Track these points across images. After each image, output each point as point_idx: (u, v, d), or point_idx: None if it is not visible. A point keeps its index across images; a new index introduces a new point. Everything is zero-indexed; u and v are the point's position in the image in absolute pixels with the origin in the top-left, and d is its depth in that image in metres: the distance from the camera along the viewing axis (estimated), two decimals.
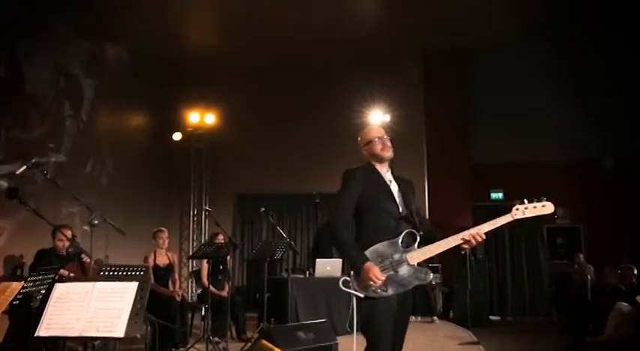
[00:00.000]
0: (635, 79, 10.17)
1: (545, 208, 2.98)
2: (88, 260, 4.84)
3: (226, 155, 11.00)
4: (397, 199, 3.10)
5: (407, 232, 3.01)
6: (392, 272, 2.95)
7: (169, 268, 6.43)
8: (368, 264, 2.89)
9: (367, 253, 2.96)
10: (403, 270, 2.96)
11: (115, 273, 4.75)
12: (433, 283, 9.20)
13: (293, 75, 10.78)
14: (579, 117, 10.54)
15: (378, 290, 2.88)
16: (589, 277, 8.74)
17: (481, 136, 10.94)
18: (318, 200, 8.39)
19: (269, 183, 10.77)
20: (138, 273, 4.71)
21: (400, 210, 3.08)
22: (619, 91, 10.38)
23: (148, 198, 9.97)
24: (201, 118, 10.68)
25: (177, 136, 10.48)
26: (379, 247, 2.98)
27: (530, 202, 2.97)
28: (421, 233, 3.02)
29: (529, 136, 10.61)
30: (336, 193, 3.11)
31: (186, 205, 11.07)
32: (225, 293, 6.75)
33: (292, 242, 6.55)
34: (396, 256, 2.97)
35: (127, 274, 4.70)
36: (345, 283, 2.97)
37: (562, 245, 10.71)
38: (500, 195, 10.93)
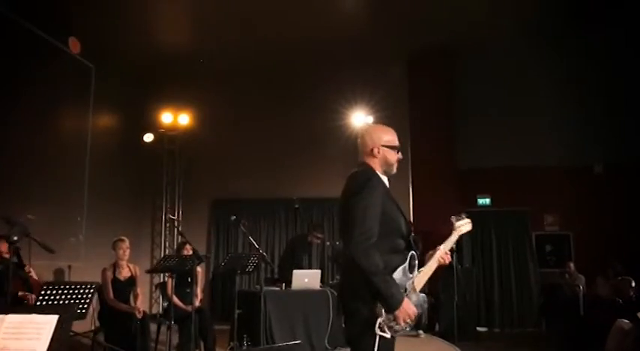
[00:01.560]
0: (628, 82, 9.93)
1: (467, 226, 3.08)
2: (30, 273, 4.24)
3: (201, 158, 10.56)
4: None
5: (411, 255, 2.58)
6: None
7: (131, 281, 5.87)
8: (406, 300, 2.43)
9: None
10: (413, 299, 2.51)
11: (59, 291, 4.20)
12: None
13: (272, 75, 10.38)
14: (570, 120, 10.27)
15: (407, 328, 2.47)
16: (581, 287, 8.33)
17: (468, 140, 10.63)
18: (297, 206, 7.92)
19: (246, 187, 10.33)
20: (81, 295, 4.19)
21: (411, 232, 2.66)
22: (611, 94, 10.18)
23: (116, 203, 9.45)
24: (174, 118, 10.24)
25: (148, 138, 10.00)
26: (397, 276, 2.50)
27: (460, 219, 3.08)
28: (417, 252, 2.62)
29: (517, 140, 10.37)
30: (349, 207, 2.49)
31: (159, 211, 10.54)
32: (193, 309, 6.17)
33: (265, 253, 6.01)
34: (408, 285, 2.54)
35: (70, 293, 4.16)
36: (382, 327, 2.42)
37: (551, 253, 10.39)
38: (487, 201, 10.63)
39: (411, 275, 2.54)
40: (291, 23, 9.18)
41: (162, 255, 10.07)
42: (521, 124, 10.27)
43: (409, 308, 2.39)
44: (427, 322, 8.90)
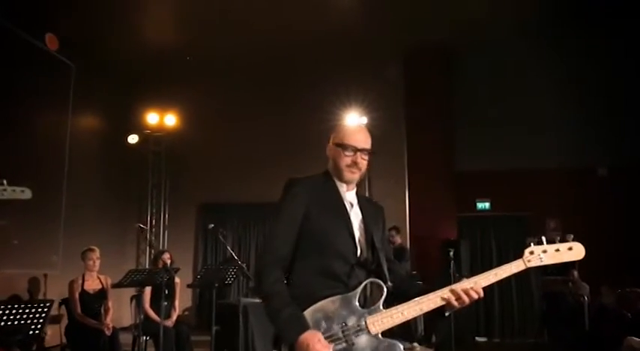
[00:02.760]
0: (632, 81, 9.60)
1: (573, 252, 2.20)
2: None
3: (188, 160, 10.20)
4: (356, 234, 2.18)
5: (369, 284, 2.11)
6: (344, 345, 1.99)
7: (101, 294, 5.45)
8: (307, 334, 1.90)
9: (307, 313, 2.00)
10: (361, 342, 2.00)
11: (8, 311, 3.78)
12: None
13: (263, 74, 10.05)
14: (572, 121, 9.93)
15: None
16: (585, 298, 7.90)
17: (466, 141, 10.27)
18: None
19: (235, 191, 9.99)
20: (33, 315, 3.77)
21: (359, 251, 2.16)
22: (614, 93, 9.85)
23: (98, 208, 9.17)
24: (160, 118, 9.95)
25: (132, 139, 9.74)
26: (326, 305, 2.03)
27: (550, 242, 2.20)
28: (390, 285, 2.10)
29: (518, 142, 9.96)
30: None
31: (144, 215, 10.16)
32: (170, 323, 5.78)
33: (245, 265, 5.59)
34: (351, 321, 2.02)
35: (21, 313, 3.74)
36: None
37: None
38: (486, 205, 10.24)
39: (362, 310, 2.04)
40: (284, 20, 8.91)
41: (147, 261, 9.76)
42: (521, 125, 9.92)
43: (311, 344, 1.86)
44: (423, 334, 8.58)
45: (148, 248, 9.85)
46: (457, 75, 10.47)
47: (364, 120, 9.17)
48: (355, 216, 2.23)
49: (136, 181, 10.22)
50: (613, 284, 8.32)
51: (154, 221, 10.11)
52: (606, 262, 8.81)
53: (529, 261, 2.14)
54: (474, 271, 8.63)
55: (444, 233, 9.41)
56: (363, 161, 2.22)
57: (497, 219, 10.07)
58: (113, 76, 9.32)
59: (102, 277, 5.55)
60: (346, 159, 2.20)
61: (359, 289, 2.06)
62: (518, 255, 2.17)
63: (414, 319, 8.05)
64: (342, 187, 2.25)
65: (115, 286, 5.23)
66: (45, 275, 7.50)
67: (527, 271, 7.67)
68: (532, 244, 2.19)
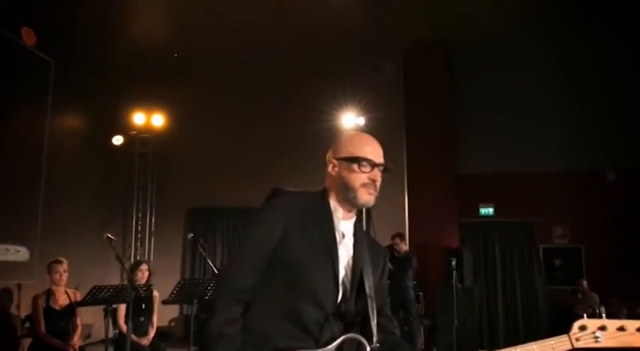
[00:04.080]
0: None
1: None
2: None
3: (176, 162, 9.84)
4: (341, 274, 1.71)
5: (347, 342, 1.63)
6: None
7: (69, 310, 4.93)
8: None
9: None
10: None
11: None
12: (417, 314, 7.89)
13: (254, 73, 9.67)
14: (579, 122, 9.66)
15: None
16: (597, 311, 7.43)
17: (469, 143, 10.01)
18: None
19: (225, 195, 9.62)
20: None
21: (339, 296, 1.68)
22: (623, 93, 9.51)
23: (81, 213, 8.73)
24: (146, 119, 9.63)
25: (117, 140, 9.43)
26: None
27: (611, 316, 1.68)
28: (375, 346, 1.63)
29: (523, 143, 9.76)
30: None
31: (129, 220, 9.78)
32: (146, 341, 5.29)
33: None
34: None
35: None
36: None
37: (561, 268, 9.67)
38: (490, 210, 9.97)
39: None
40: (277, 16, 8.63)
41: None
42: (527, 126, 9.66)
43: None
44: (423, 348, 8.18)
45: (134, 254, 9.41)
46: (459, 73, 10.20)
47: (361, 120, 8.98)
48: (345, 251, 1.75)
49: (121, 184, 9.87)
50: (624, 295, 7.93)
51: (139, 227, 9.74)
52: (616, 271, 8.76)
53: (577, 340, 1.61)
54: (477, 281, 8.27)
55: (445, 240, 9.13)
56: (379, 177, 1.77)
57: (502, 225, 9.78)
58: (96, 73, 8.86)
59: (70, 292, 5.04)
60: (362, 176, 1.74)
61: (332, 347, 1.58)
62: (566, 329, 1.63)
63: (413, 332, 7.70)
64: (338, 213, 1.77)
65: (78, 304, 4.73)
66: (19, 285, 7.06)
67: (533, 280, 7.24)
68: (585, 315, 1.72)
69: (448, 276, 7.67)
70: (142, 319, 5.39)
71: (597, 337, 1.59)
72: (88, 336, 7.86)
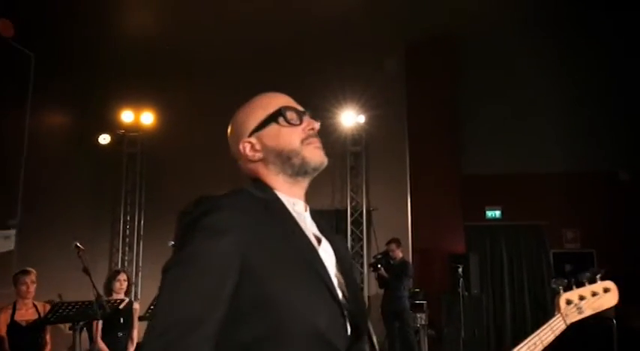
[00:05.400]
0: None
1: (610, 294, 1.72)
2: None
3: (166, 163, 9.29)
4: (339, 295, 1.24)
5: None
6: None
7: (37, 325, 4.47)
8: None
9: None
10: None
11: None
12: (417, 324, 7.48)
13: (248, 68, 9.15)
14: (592, 120, 9.40)
15: None
16: (614, 321, 7.00)
17: (475, 143, 9.82)
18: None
19: None
20: None
21: (348, 328, 1.23)
22: (637, 92, 9.22)
23: (65, 216, 8.31)
24: (135, 117, 9.19)
25: (104, 139, 8.98)
26: None
27: (579, 283, 1.68)
28: None
29: (532, 142, 9.57)
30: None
31: (117, 224, 9.32)
32: None
33: None
34: None
35: None
36: None
37: (572, 274, 8.90)
38: (497, 213, 9.82)
39: None
40: (272, 8, 8.40)
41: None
42: (536, 124, 9.46)
43: None
44: None
45: (121, 259, 8.95)
46: (464, 69, 9.90)
47: (362, 118, 8.75)
48: (328, 259, 1.28)
49: (108, 186, 9.40)
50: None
51: (127, 231, 9.29)
52: (631, 277, 8.28)
53: (567, 315, 1.63)
54: (484, 288, 7.92)
55: (449, 245, 8.86)
56: (317, 126, 1.38)
57: (510, 229, 9.66)
58: (81, 67, 8.56)
59: (39, 305, 4.59)
60: (295, 130, 1.34)
61: None
62: (553, 309, 1.65)
63: (418, 342, 7.34)
64: (296, 206, 1.31)
65: (40, 322, 4.27)
66: None
67: (542, 287, 6.91)
68: (561, 289, 1.68)
69: (453, 283, 7.42)
70: (121, 334, 4.95)
71: (580, 308, 1.63)
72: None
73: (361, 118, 8.65)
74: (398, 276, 7.18)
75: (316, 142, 1.35)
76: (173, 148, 9.24)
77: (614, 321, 7.20)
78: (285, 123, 1.32)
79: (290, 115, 1.34)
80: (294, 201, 1.31)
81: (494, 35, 9.36)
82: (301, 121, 1.35)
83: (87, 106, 8.81)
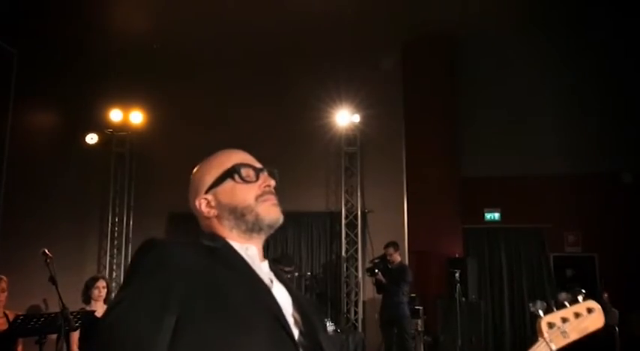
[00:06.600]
0: None
1: (594, 315, 1.54)
2: None
3: (156, 163, 9.14)
4: (295, 331, 1.24)
5: None
6: None
7: (8, 335, 4.23)
8: None
9: None
10: None
11: None
12: (412, 331, 7.28)
13: (240, 67, 9.13)
14: (594, 121, 9.31)
15: None
16: (616, 328, 6.79)
17: (473, 143, 9.73)
18: None
19: None
20: None
21: None
22: (638, 91, 9.17)
23: (50, 218, 8.22)
24: (124, 116, 9.00)
25: (91, 139, 8.77)
26: None
27: (559, 304, 1.53)
28: None
29: (532, 143, 9.44)
30: None
31: (105, 226, 9.11)
32: None
33: None
34: None
35: None
36: None
37: (573, 279, 9.32)
38: (496, 215, 9.71)
39: None
40: (264, 5, 8.41)
41: (109, 276, 8.71)
42: (536, 125, 9.40)
43: None
44: None
45: (109, 263, 8.73)
46: (462, 69, 9.84)
47: (356, 118, 8.55)
48: (283, 299, 1.27)
49: (96, 187, 9.23)
50: None
51: (116, 233, 9.09)
52: (633, 282, 8.28)
53: (551, 340, 1.50)
54: (482, 293, 7.75)
55: (447, 248, 8.72)
56: (273, 183, 1.42)
57: (509, 232, 9.53)
58: (66, 64, 8.47)
59: (10, 314, 4.37)
60: (251, 188, 1.37)
61: None
62: (535, 333, 1.53)
63: (414, 348, 7.14)
64: (251, 250, 1.33)
65: (5, 335, 4.03)
66: None
67: (542, 292, 6.71)
68: (540, 311, 1.58)
69: (450, 288, 7.29)
70: None
71: (564, 332, 1.51)
72: None
73: (356, 118, 8.46)
74: (396, 281, 6.99)
75: (272, 199, 1.37)
76: (163, 148, 9.10)
77: (617, 328, 7.01)
78: (240, 180, 1.36)
79: (245, 172, 1.37)
80: (247, 246, 1.32)
81: (493, 34, 9.31)
82: (257, 178, 1.38)
83: (73, 104, 8.68)
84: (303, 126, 8.45)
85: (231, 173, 1.36)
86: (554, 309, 1.54)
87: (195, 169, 1.47)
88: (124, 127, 9.03)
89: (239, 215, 1.33)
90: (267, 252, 8.24)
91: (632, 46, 8.93)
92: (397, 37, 9.31)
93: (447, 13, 8.69)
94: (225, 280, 1.18)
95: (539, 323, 1.51)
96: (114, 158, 9.20)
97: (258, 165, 1.43)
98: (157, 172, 9.16)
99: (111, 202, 9.13)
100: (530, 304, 1.56)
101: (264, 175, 1.40)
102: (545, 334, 1.49)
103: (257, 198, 1.35)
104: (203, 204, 1.37)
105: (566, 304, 1.54)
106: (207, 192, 1.38)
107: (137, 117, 9.03)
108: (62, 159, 8.58)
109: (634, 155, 9.16)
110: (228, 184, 1.36)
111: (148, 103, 9.09)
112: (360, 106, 8.52)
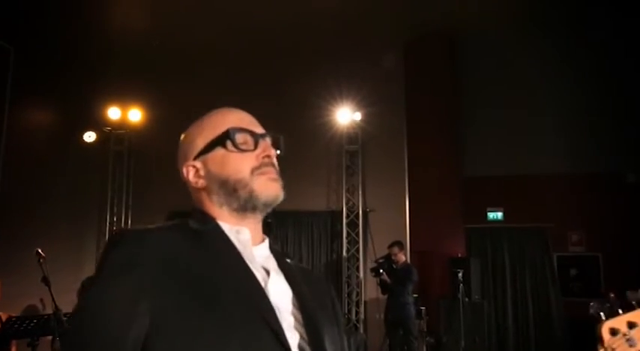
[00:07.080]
0: None
1: None
2: None
3: (155, 161, 8.97)
4: (292, 342, 1.03)
5: None
6: None
7: (0, 336, 4.12)
8: None
9: None
10: None
11: None
12: (417, 332, 7.22)
13: (241, 64, 9.09)
14: (596, 119, 9.14)
15: None
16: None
17: (476, 142, 9.62)
18: (270, 220, 6.23)
19: None
20: None
21: None
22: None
23: (50, 218, 8.05)
24: (122, 113, 8.96)
25: (89, 137, 8.74)
26: None
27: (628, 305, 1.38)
28: None
29: (535, 142, 9.32)
30: None
31: (103, 224, 9.07)
32: None
33: None
34: None
35: None
36: None
37: (577, 279, 9.18)
38: (499, 215, 9.56)
39: None
40: (267, 3, 8.32)
41: None
42: (540, 123, 9.26)
43: None
44: None
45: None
46: (463, 67, 9.74)
47: (358, 116, 8.53)
48: (280, 297, 1.08)
49: (94, 186, 9.16)
50: None
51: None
52: (638, 282, 8.16)
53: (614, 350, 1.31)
54: (485, 294, 7.65)
55: (450, 248, 8.60)
56: (274, 153, 1.19)
57: (512, 231, 9.39)
58: (64, 61, 8.28)
59: (3, 315, 4.27)
60: (247, 157, 1.15)
61: None
62: (597, 340, 1.35)
63: (417, 348, 7.05)
64: (243, 234, 1.13)
65: None
66: None
67: (546, 292, 6.60)
68: (601, 313, 1.44)
69: (453, 289, 7.21)
70: None
71: (630, 340, 1.31)
72: None
73: (357, 116, 8.42)
74: (402, 281, 6.89)
75: (271, 172, 1.16)
76: (162, 146, 8.88)
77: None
78: (232, 148, 1.14)
79: (241, 138, 1.16)
80: (238, 228, 1.12)
81: (494, 34, 9.25)
82: (256, 146, 1.17)
83: (71, 102, 8.52)
84: (304, 124, 8.36)
85: (222, 139, 1.15)
86: (620, 311, 1.35)
87: (187, 130, 1.28)
88: (122, 125, 9.00)
89: (230, 190, 1.13)
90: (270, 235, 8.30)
91: (632, 46, 8.85)
92: (399, 36, 9.24)
93: (448, 13, 8.64)
94: (208, 272, 1.01)
95: (600, 328, 1.32)
96: (112, 156, 9.18)
97: (260, 130, 1.21)
98: (155, 170, 9.04)
99: (109, 200, 9.10)
100: (591, 305, 1.37)
101: (264, 142, 1.18)
102: (607, 343, 1.31)
103: (253, 170, 1.14)
104: (191, 172, 1.18)
105: (635, 304, 1.34)
106: (196, 158, 1.19)
107: (136, 115, 8.99)
108: (60, 157, 8.44)
109: (634, 155, 9.09)
110: (220, 151, 1.15)
111: (146, 101, 9.03)
112: (361, 104, 8.48)
